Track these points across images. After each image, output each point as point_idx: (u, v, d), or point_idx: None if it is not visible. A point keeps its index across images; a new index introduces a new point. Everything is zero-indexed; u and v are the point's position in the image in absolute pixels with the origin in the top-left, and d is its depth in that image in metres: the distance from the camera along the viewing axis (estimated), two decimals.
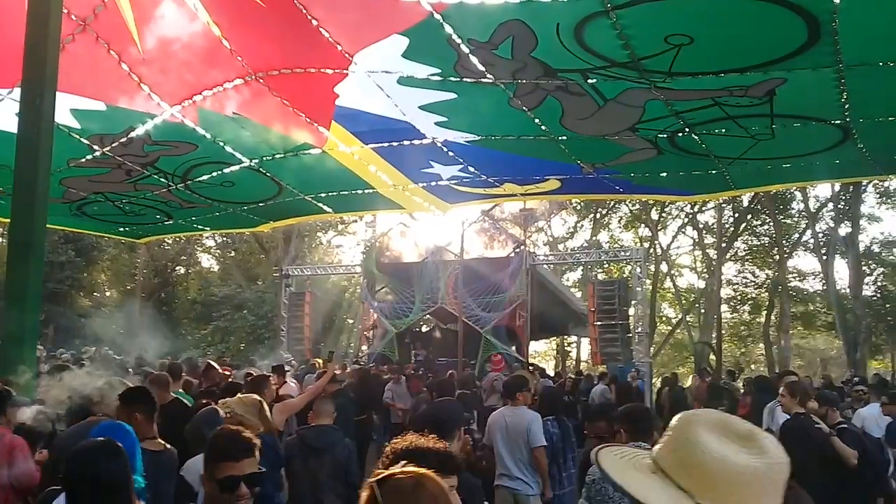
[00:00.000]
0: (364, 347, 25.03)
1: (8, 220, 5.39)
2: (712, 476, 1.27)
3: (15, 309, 5.04)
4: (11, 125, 6.50)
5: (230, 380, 8.12)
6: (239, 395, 5.61)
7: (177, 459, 4.17)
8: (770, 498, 1.28)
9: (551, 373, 23.51)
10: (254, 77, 6.64)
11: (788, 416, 5.93)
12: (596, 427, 4.47)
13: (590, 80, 5.96)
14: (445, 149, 8.12)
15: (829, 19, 4.61)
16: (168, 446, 4.12)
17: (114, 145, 8.06)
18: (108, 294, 38.94)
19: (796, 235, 32.48)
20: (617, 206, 34.26)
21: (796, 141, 7.18)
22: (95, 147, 8.11)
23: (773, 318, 33.45)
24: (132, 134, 7.76)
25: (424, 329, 25.64)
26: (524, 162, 8.55)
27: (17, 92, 5.96)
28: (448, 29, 5.35)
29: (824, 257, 28.35)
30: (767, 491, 1.27)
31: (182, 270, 40.63)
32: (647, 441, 3.78)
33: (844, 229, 28.00)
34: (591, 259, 29.01)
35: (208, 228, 13.99)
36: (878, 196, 30.44)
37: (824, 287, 30.08)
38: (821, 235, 29.62)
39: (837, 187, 26.30)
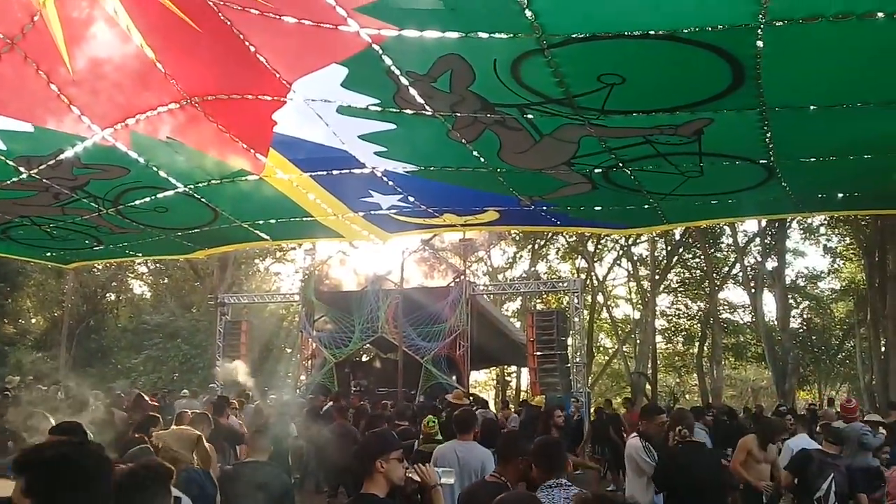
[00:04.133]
0: (302, 377, 24.64)
1: None
2: None
3: None
4: None
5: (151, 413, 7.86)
6: (173, 427, 5.45)
7: None
8: None
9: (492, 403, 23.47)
10: (189, 102, 6.53)
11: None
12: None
13: (527, 116, 6.05)
14: (385, 178, 8.11)
15: (752, 64, 4.80)
16: None
17: (41, 168, 7.78)
18: (33, 321, 37.46)
19: (726, 269, 33.50)
20: (555, 237, 34.80)
21: (724, 179, 7.41)
22: (22, 169, 7.82)
23: (705, 348, 34.28)
24: (61, 156, 7.51)
25: (364, 359, 25.45)
26: (463, 193, 8.60)
27: None
28: (387, 61, 5.38)
29: (753, 290, 29.27)
30: None
31: (112, 297, 39.48)
32: (562, 475, 3.63)
33: (771, 263, 29.00)
34: (530, 290, 29.39)
35: (141, 255, 13.60)
36: (802, 232, 31.80)
37: (753, 319, 30.96)
38: (749, 269, 30.63)
39: (764, 223, 27.26)
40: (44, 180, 8.16)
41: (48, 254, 12.54)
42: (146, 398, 10.45)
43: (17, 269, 29.85)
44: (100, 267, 32.34)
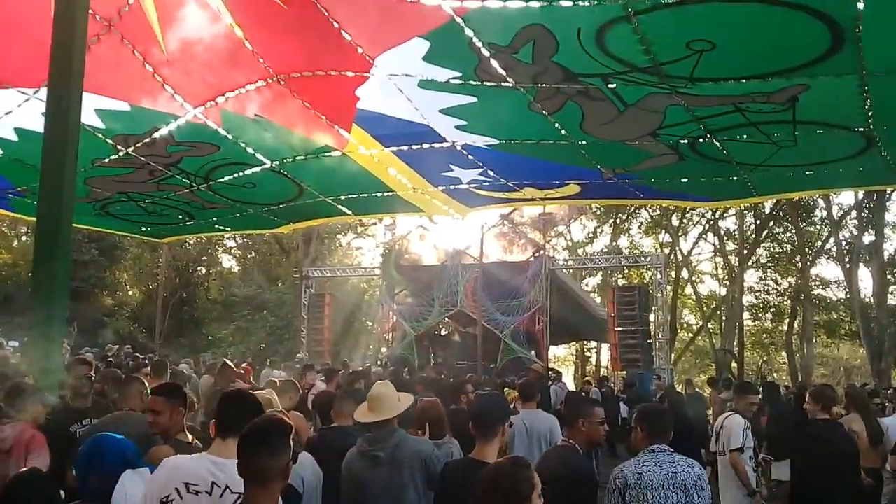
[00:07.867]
0: (383, 350, 25.10)
1: (34, 219, 5.45)
2: None
3: (41, 308, 5.09)
4: (36, 124, 6.61)
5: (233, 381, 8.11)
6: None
7: None
8: None
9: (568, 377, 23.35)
10: (276, 79, 6.69)
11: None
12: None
13: (610, 85, 5.94)
14: (465, 152, 8.12)
15: (852, 26, 4.56)
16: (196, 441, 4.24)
17: (137, 145, 8.15)
18: (130, 293, 39.37)
19: (819, 243, 32.10)
20: (637, 211, 34.08)
21: (819, 148, 7.10)
22: (119, 147, 8.21)
23: (795, 326, 33.08)
24: (155, 134, 7.84)
25: (443, 332, 25.68)
26: (544, 166, 8.53)
27: (42, 92, 6.04)
28: (469, 33, 5.36)
29: (847, 265, 27.96)
30: None
31: (203, 270, 41.01)
32: (664, 441, 3.67)
33: (868, 237, 27.64)
34: (611, 264, 28.94)
35: (229, 229, 14.10)
36: None
37: (848, 295, 29.67)
38: (844, 243, 29.23)
39: (861, 195, 25.96)
40: (140, 157, 8.54)
41: (143, 228, 13.14)
42: (231, 366, 10.83)
43: (115, 243, 31.42)
44: (191, 241, 33.66)
